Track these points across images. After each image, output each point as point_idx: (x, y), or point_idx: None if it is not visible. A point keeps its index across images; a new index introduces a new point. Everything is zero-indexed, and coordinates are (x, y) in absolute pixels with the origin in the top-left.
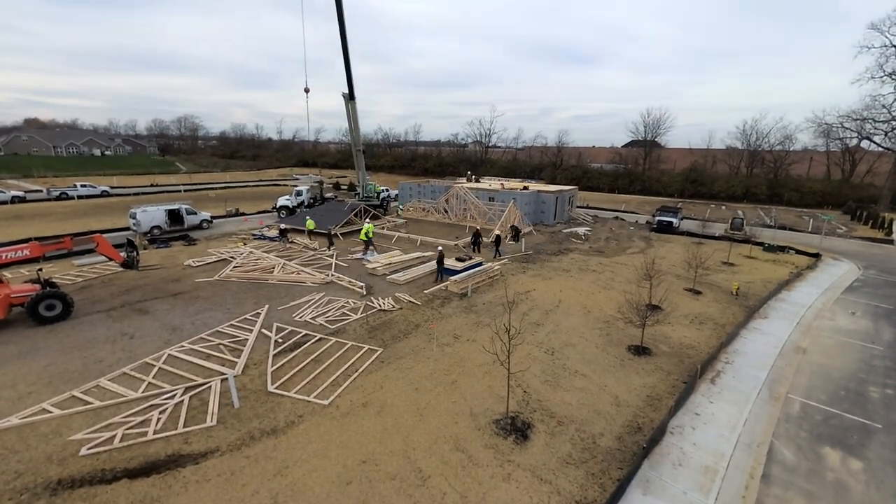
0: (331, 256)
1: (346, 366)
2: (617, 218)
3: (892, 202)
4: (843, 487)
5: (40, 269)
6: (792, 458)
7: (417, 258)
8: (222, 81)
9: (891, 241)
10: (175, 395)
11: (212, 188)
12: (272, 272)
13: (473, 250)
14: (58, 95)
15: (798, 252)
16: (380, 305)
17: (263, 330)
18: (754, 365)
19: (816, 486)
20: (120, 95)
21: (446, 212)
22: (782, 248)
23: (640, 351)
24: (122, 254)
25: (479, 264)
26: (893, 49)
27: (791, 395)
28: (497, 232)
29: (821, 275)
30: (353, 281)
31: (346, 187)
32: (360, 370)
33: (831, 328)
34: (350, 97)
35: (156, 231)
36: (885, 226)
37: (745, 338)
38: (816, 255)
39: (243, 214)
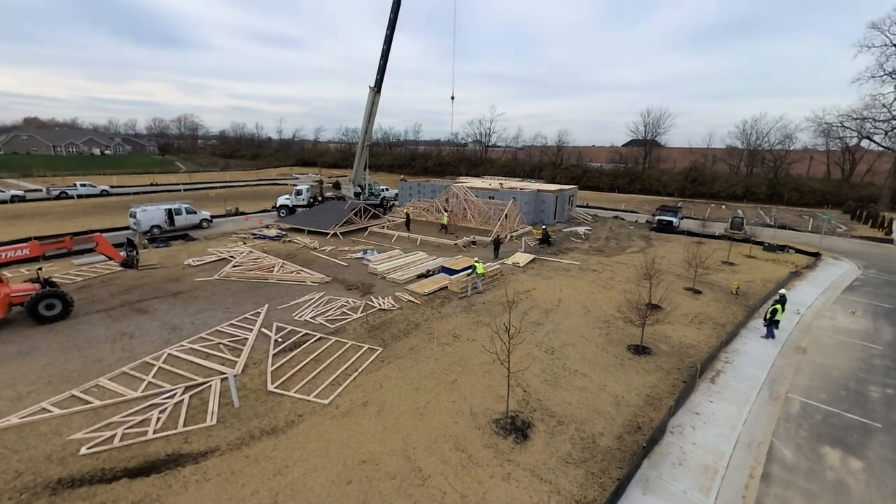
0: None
1: (345, 365)
2: (617, 217)
3: (892, 201)
4: (843, 487)
5: (40, 269)
6: (792, 458)
7: (416, 258)
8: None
9: (891, 241)
10: (175, 395)
11: (211, 187)
12: (272, 271)
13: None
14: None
15: (798, 251)
16: (380, 305)
17: (263, 329)
18: (754, 364)
19: (816, 486)
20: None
21: (446, 211)
22: (782, 248)
23: (640, 350)
24: (122, 253)
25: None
26: (894, 48)
27: (791, 395)
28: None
29: (821, 274)
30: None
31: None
32: (360, 370)
33: (831, 327)
34: (377, 90)
35: (156, 230)
36: (885, 225)
37: (745, 337)
38: (816, 255)
39: (243, 214)
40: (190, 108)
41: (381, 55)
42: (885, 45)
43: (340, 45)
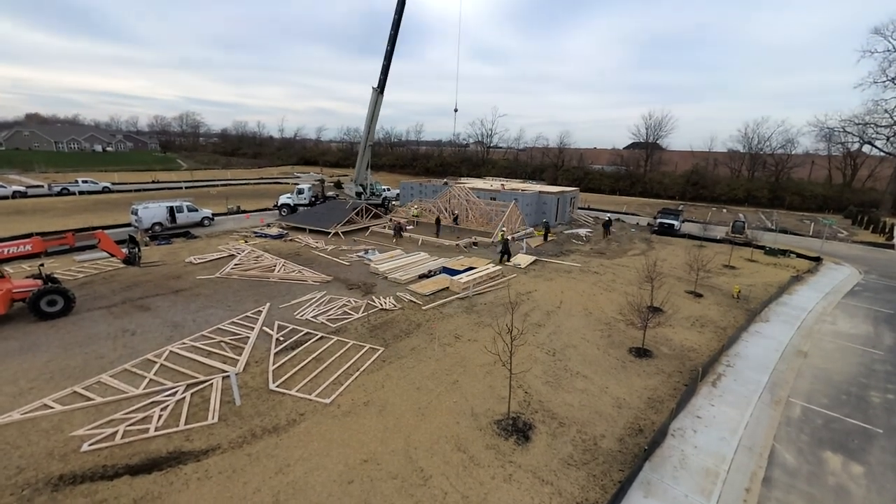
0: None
1: (347, 365)
2: (618, 220)
3: (894, 207)
4: (844, 492)
5: (42, 265)
6: (793, 462)
7: (419, 258)
8: None
9: (892, 246)
10: (176, 392)
11: (213, 185)
12: (273, 270)
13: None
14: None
15: (799, 256)
16: (381, 305)
17: (265, 328)
18: (755, 368)
19: (818, 490)
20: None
21: (447, 211)
22: (783, 252)
23: (642, 353)
24: (124, 250)
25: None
26: None
27: (792, 399)
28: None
29: (822, 279)
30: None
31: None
32: (362, 369)
33: (832, 332)
34: (380, 90)
35: (157, 227)
36: (887, 230)
37: (747, 341)
38: (817, 259)
39: (244, 212)
40: (280, 110)
41: (385, 56)
42: (889, 50)
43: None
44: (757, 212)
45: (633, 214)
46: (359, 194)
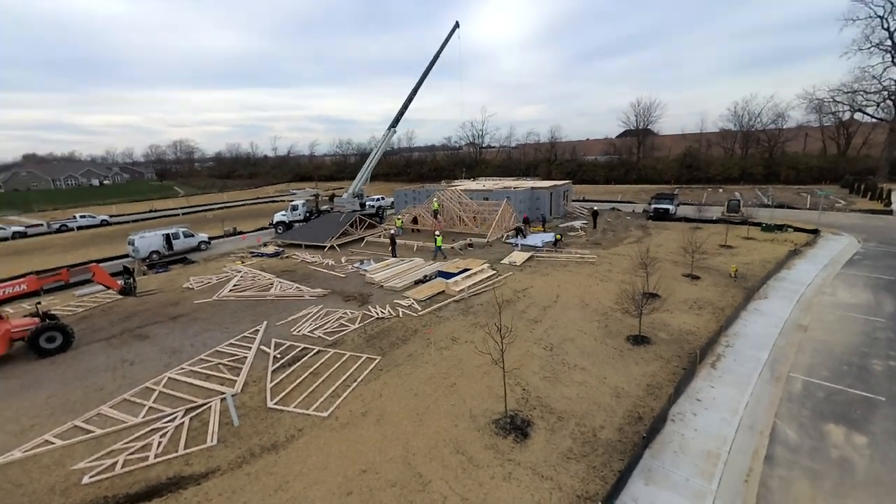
0: None
1: (344, 376)
2: (613, 209)
3: (890, 172)
4: (847, 463)
5: (39, 303)
6: (795, 438)
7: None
8: None
9: (890, 212)
10: (175, 418)
11: (210, 209)
12: (269, 289)
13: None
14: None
15: (797, 230)
16: (377, 314)
17: (262, 346)
18: (755, 346)
19: (821, 464)
20: None
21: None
22: (780, 227)
23: (639, 340)
24: (120, 281)
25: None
26: (878, 19)
27: (793, 374)
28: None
29: (820, 251)
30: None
31: None
32: (359, 380)
33: (832, 303)
34: (394, 129)
35: (155, 256)
36: (884, 197)
37: (745, 319)
38: (815, 232)
39: (241, 233)
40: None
41: (404, 103)
42: (870, 16)
43: None
44: (753, 189)
45: (628, 202)
46: (362, 206)
